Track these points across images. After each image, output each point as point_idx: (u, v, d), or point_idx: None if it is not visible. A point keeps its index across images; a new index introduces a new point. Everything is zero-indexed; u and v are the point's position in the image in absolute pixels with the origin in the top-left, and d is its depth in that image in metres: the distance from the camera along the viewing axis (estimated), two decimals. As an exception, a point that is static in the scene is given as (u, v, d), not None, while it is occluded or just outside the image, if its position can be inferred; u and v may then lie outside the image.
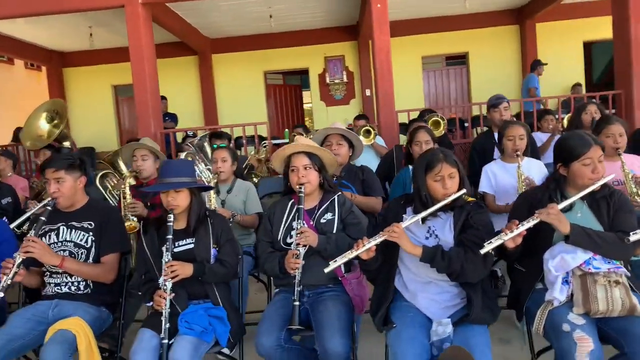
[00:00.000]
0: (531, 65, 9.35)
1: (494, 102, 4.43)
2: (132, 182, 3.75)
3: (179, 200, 2.39)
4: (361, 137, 5.42)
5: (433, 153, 2.18)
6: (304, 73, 11.30)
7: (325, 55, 10.66)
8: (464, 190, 2.13)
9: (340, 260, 2.08)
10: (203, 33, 9.97)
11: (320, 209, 2.51)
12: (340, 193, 2.58)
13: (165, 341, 2.17)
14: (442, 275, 2.10)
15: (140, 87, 6.79)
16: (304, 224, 2.38)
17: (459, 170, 2.15)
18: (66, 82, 10.87)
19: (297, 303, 2.24)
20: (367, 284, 2.52)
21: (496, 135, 4.36)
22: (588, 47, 11.08)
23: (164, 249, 2.33)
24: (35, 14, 6.92)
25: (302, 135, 5.99)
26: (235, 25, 9.46)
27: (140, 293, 2.49)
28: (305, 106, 12.57)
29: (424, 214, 2.11)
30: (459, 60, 10.91)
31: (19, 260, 2.32)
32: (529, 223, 2.01)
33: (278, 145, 7.94)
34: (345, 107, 10.71)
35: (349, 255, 2.08)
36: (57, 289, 2.51)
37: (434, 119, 5.58)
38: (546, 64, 9.19)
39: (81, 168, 2.61)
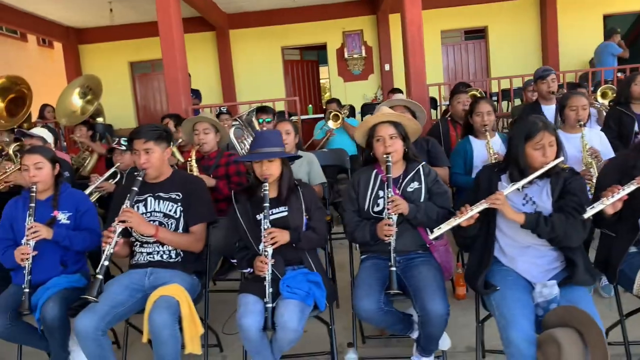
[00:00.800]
0: (607, 32, 9.26)
1: (542, 74, 4.44)
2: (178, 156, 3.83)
3: (273, 169, 2.43)
4: (330, 122, 5.54)
5: (533, 122, 2.21)
6: (321, 48, 11.22)
7: (343, 29, 10.56)
8: (561, 158, 2.17)
9: (445, 227, 2.14)
10: (221, 8, 9.86)
11: (406, 178, 2.55)
12: (424, 162, 2.62)
13: (270, 305, 2.24)
14: (541, 239, 2.16)
15: (170, 63, 6.77)
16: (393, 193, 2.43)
17: (556, 138, 2.19)
18: (82, 59, 10.77)
19: (393, 268, 2.30)
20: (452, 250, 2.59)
21: (543, 106, 4.42)
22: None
23: (261, 216, 2.39)
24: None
25: (338, 109, 6.02)
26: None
27: (233, 260, 2.55)
28: (322, 81, 12.52)
29: (524, 181, 2.16)
30: (478, 34, 10.83)
31: (119, 229, 2.37)
32: (630, 188, 2.06)
33: (304, 121, 7.97)
34: (364, 82, 10.66)
35: (453, 222, 2.14)
36: (150, 257, 2.57)
37: (472, 92, 5.60)
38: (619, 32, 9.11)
39: (167, 139, 2.64)
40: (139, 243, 2.60)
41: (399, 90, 6.02)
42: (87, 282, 2.70)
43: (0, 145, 5.49)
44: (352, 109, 7.60)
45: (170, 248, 2.57)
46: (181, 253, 2.59)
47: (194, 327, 2.32)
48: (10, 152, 4.19)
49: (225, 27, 10.35)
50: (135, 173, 2.56)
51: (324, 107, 8.87)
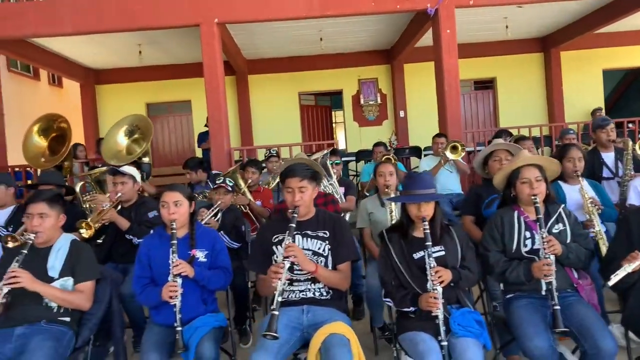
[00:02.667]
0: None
1: (601, 124, 4.69)
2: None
3: (429, 210, 2.51)
4: (448, 153, 5.69)
5: None
6: (334, 94, 11.52)
7: (359, 77, 10.93)
8: None
9: (622, 273, 2.24)
10: (243, 54, 10.10)
11: (550, 220, 2.65)
12: (563, 205, 2.74)
13: (445, 343, 2.26)
14: None
15: (214, 104, 6.86)
16: (545, 234, 2.52)
17: None
18: (99, 99, 10.78)
19: (557, 307, 2.37)
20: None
21: (603, 154, 4.66)
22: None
23: (419, 255, 2.44)
24: (109, 31, 6.94)
25: (386, 153, 6.16)
26: (277, 46, 9.61)
27: (388, 300, 2.56)
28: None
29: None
30: (487, 84, 11.34)
31: (287, 265, 2.39)
32: None
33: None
34: (378, 127, 10.95)
35: (628, 268, 2.24)
36: (303, 295, 2.57)
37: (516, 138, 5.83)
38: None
39: (318, 180, 2.70)
40: (287, 281, 2.60)
41: (443, 135, 6.21)
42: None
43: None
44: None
45: (321, 285, 2.58)
46: (330, 291, 2.60)
47: (363, 366, 2.32)
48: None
49: (245, 72, 10.57)
50: (290, 211, 2.59)
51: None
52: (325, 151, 4.74)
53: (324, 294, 2.59)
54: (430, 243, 2.43)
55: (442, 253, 2.52)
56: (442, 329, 2.29)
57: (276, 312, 2.26)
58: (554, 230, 2.63)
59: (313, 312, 2.51)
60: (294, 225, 2.51)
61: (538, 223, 2.54)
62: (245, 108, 10.70)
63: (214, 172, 6.13)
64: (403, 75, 10.69)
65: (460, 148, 5.78)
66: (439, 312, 2.31)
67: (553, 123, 9.92)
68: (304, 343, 2.49)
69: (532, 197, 2.60)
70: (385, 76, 10.95)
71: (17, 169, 7.05)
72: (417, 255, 2.51)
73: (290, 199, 2.59)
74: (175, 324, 2.47)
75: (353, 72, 10.86)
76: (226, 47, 8.96)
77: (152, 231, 3.75)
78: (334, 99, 11.88)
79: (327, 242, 2.63)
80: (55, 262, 2.65)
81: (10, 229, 3.87)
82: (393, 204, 3.40)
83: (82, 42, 8.35)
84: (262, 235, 2.73)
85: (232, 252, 3.31)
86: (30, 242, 2.57)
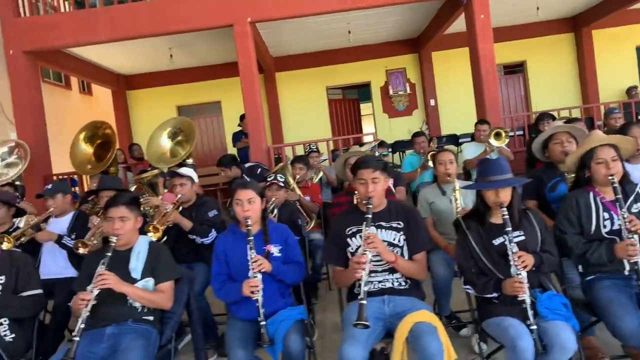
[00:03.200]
0: None
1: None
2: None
3: (507, 195, 2.50)
4: (492, 140, 5.63)
5: None
6: (363, 87, 11.50)
7: (386, 68, 10.88)
8: None
9: None
10: (270, 52, 10.14)
11: (629, 200, 2.62)
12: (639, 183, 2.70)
13: (535, 327, 2.26)
14: None
15: (250, 103, 6.91)
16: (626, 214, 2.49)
17: None
18: (130, 104, 10.95)
19: (646, 287, 2.34)
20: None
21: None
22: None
23: (498, 241, 2.44)
24: (143, 37, 7.03)
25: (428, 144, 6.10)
26: (305, 42, 9.63)
27: (469, 288, 2.56)
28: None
29: None
30: (517, 68, 11.18)
31: (369, 255, 2.41)
32: None
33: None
34: (408, 117, 10.90)
35: None
36: (382, 285, 2.58)
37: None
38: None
39: (388, 170, 2.71)
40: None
41: (486, 122, 6.13)
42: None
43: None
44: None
45: (399, 275, 2.60)
46: (408, 280, 2.61)
47: (450, 353, 2.32)
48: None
49: (272, 69, 10.61)
50: (365, 201, 2.60)
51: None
52: (374, 143, 4.73)
53: (402, 283, 2.60)
54: (510, 228, 2.41)
55: (522, 238, 2.50)
56: (530, 312, 2.28)
57: (364, 302, 2.27)
58: (633, 210, 2.60)
59: (394, 302, 2.52)
60: (370, 216, 2.52)
61: (617, 203, 2.51)
62: (274, 106, 10.75)
63: (251, 163, 6.18)
64: (431, 63, 10.61)
65: (504, 135, 5.71)
66: (526, 297, 2.30)
67: (587, 104, 9.75)
68: (386, 333, 2.50)
69: (610, 178, 2.57)
70: (413, 65, 10.88)
71: (61, 177, 7.19)
72: (496, 242, 2.50)
73: (364, 191, 2.60)
74: (259, 319, 2.50)
75: (380, 63, 10.82)
76: (255, 46, 9.02)
77: (214, 230, 3.87)
78: (361, 91, 11.85)
79: (401, 232, 2.64)
80: (136, 264, 2.71)
81: (72, 237, 3.96)
82: (456, 192, 3.39)
83: (113, 49, 8.47)
84: (335, 228, 2.75)
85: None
86: (113, 245, 2.63)
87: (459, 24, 8.55)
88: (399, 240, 2.63)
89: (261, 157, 6.82)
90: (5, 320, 2.70)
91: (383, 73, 10.89)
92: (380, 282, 2.59)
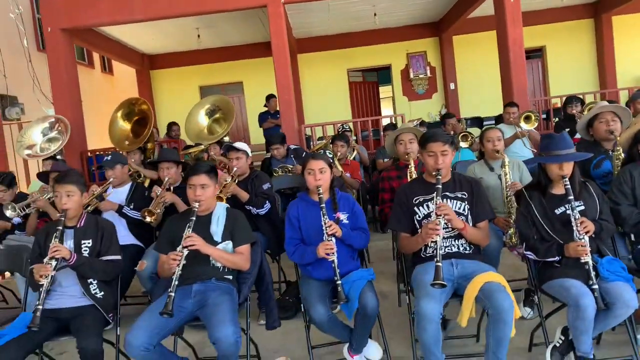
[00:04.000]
0: None
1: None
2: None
3: (570, 168, 2.68)
4: (522, 123, 5.79)
5: None
6: (382, 69, 11.62)
7: (407, 51, 11.00)
8: None
9: None
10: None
11: None
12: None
13: (596, 287, 2.46)
14: None
15: (283, 84, 7.06)
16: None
17: None
18: (153, 83, 11.10)
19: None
20: None
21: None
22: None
23: (561, 210, 2.64)
24: (178, 16, 7.16)
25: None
26: (329, 24, 9.73)
27: (529, 254, 2.76)
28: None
29: None
30: (536, 53, 11.27)
31: (442, 222, 2.60)
32: None
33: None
34: (428, 101, 11.05)
35: None
36: (448, 249, 2.78)
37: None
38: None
39: (455, 144, 2.89)
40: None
41: (515, 105, 6.28)
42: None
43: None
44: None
45: (463, 241, 2.79)
46: (472, 246, 2.81)
47: (516, 310, 2.51)
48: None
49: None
50: (434, 173, 2.79)
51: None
52: (416, 122, 4.90)
53: (467, 249, 2.80)
54: (572, 197, 2.61)
55: (582, 207, 2.69)
56: (592, 273, 2.48)
57: (440, 264, 2.47)
58: (684, 182, 2.79)
59: (462, 265, 2.72)
60: (440, 186, 2.71)
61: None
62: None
63: (292, 146, 6.36)
64: (452, 47, 10.72)
65: (533, 117, 5.87)
66: (588, 258, 2.50)
67: (605, 89, 9.88)
68: (453, 292, 2.71)
69: None
70: (434, 49, 10.99)
71: (98, 153, 7.38)
72: (558, 211, 2.69)
73: (433, 163, 2.79)
74: (336, 278, 2.70)
75: (401, 46, 10.94)
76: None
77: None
78: (380, 74, 11.96)
79: (466, 202, 2.83)
80: (217, 228, 2.91)
81: (131, 206, 4.16)
82: (506, 167, 3.57)
83: (141, 29, 8.62)
84: (401, 197, 2.93)
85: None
86: (196, 210, 2.83)
87: (482, 8, 8.66)
88: (463, 209, 2.82)
89: (292, 136, 6.99)
90: (94, 280, 2.91)
91: (404, 56, 11.01)
92: (447, 247, 2.79)
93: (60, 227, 2.83)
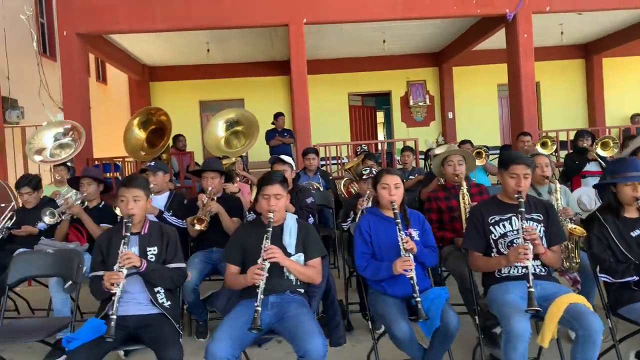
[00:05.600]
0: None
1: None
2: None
3: None
4: (538, 148, 5.96)
5: None
6: (381, 95, 11.80)
7: (407, 79, 11.22)
8: None
9: None
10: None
11: None
12: None
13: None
14: None
15: (300, 103, 7.14)
16: None
17: None
18: (152, 95, 10.95)
19: None
20: None
21: None
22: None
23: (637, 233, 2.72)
24: (199, 29, 7.13)
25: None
26: (338, 47, 9.86)
27: (604, 276, 2.81)
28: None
29: None
30: (530, 89, 11.66)
31: (530, 246, 2.62)
32: None
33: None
34: (426, 128, 11.24)
35: None
36: (524, 270, 2.79)
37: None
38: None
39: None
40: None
41: (528, 134, 6.47)
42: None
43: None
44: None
45: (539, 262, 2.82)
46: (546, 267, 2.84)
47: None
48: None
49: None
50: (516, 195, 2.82)
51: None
52: (452, 144, 4.98)
53: (543, 270, 2.83)
54: (643, 218, 2.69)
55: None
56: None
57: (532, 290, 2.50)
58: None
59: (540, 286, 2.74)
60: (523, 209, 2.75)
61: None
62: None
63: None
64: (452, 78, 11.00)
65: (550, 143, 6.07)
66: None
67: (594, 127, 10.28)
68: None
69: None
70: (433, 78, 11.24)
71: (104, 162, 7.19)
72: (634, 234, 2.76)
73: (515, 185, 2.82)
74: (415, 295, 2.67)
75: (402, 74, 11.17)
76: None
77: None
78: (378, 100, 12.14)
79: (542, 224, 2.87)
80: (290, 240, 2.85)
81: (170, 213, 4.07)
82: (557, 192, 3.65)
83: (149, 38, 8.51)
84: (476, 216, 2.95)
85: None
86: (271, 220, 2.77)
87: (484, 42, 8.96)
88: (539, 231, 2.85)
89: (307, 154, 6.96)
90: (160, 289, 2.79)
91: (404, 84, 11.24)
92: (523, 267, 2.81)
93: (129, 234, 2.72)
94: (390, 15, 7.08)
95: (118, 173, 7.29)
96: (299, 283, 2.82)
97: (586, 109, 11.41)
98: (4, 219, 4.19)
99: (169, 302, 2.80)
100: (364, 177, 4.20)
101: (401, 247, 2.78)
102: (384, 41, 9.15)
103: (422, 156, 9.19)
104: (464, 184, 3.74)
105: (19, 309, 4.64)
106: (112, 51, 8.78)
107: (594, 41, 10.97)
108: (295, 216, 3.03)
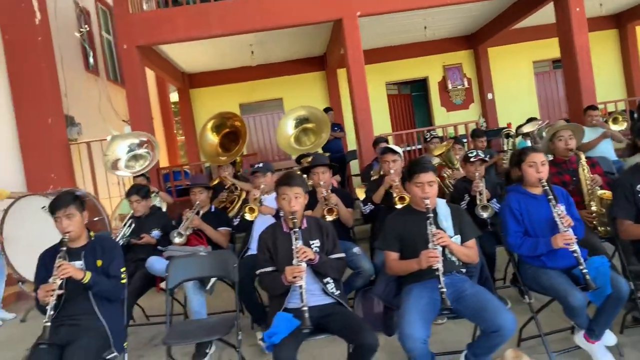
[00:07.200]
0: None
1: None
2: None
3: None
4: (611, 124, 6.00)
5: None
6: (417, 82, 11.84)
7: (443, 64, 11.25)
8: None
9: None
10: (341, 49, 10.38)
11: None
12: None
13: None
14: None
15: (360, 94, 7.17)
16: None
17: None
18: (193, 102, 11.06)
19: None
20: None
21: None
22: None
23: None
24: (253, 31, 7.22)
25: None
26: (377, 37, 9.90)
27: None
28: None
29: None
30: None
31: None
32: None
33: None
34: (466, 111, 11.28)
35: None
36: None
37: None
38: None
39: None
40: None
41: (596, 108, 6.50)
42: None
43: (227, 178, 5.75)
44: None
45: None
46: None
47: None
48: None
49: (335, 67, 10.85)
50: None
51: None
52: (543, 123, 5.04)
53: None
54: None
55: None
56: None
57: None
58: None
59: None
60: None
61: None
62: (336, 100, 10.99)
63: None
64: (488, 59, 11.03)
65: (621, 118, 6.12)
66: None
67: (632, 97, 10.28)
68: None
69: None
70: (469, 61, 11.28)
71: (175, 169, 7.31)
72: None
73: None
74: (581, 267, 2.74)
75: (437, 59, 11.21)
76: (330, 42, 9.29)
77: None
78: (413, 87, 12.17)
79: None
80: (447, 223, 2.94)
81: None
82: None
83: (192, 46, 8.58)
84: (624, 185, 3.04)
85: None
86: (429, 206, 2.85)
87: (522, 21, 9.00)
88: None
89: (370, 145, 7.03)
90: (329, 279, 2.90)
91: (440, 68, 11.27)
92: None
93: (297, 229, 2.83)
94: (437, 0, 7.14)
95: (188, 180, 7.41)
96: (460, 264, 2.92)
97: (624, 80, 11.38)
98: (124, 226, 4.32)
99: (338, 291, 2.90)
100: (472, 159, 4.27)
101: (559, 223, 2.86)
102: (425, 27, 9.18)
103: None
104: (582, 156, 3.82)
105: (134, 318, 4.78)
106: (159, 61, 8.88)
107: (626, 10, 10.93)
108: (444, 200, 3.12)
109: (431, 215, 2.81)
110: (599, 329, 2.86)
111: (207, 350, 3.67)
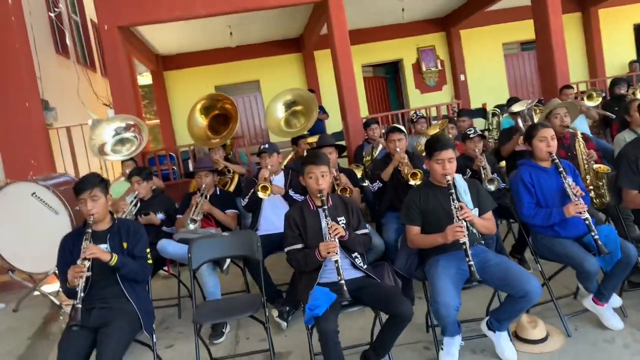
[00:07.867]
0: None
1: None
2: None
3: None
4: (586, 101, 6.32)
5: None
6: (389, 64, 11.98)
7: (417, 46, 11.43)
8: None
9: None
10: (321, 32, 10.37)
11: None
12: None
13: None
14: None
15: (346, 73, 7.25)
16: None
17: None
18: (167, 84, 10.84)
19: None
20: None
21: None
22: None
23: None
24: (239, 12, 7.11)
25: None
26: (353, 19, 9.90)
27: None
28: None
29: None
30: (531, 45, 12.05)
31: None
32: None
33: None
34: (439, 92, 11.53)
35: None
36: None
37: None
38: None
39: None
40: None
41: (571, 87, 6.79)
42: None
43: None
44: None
45: None
46: None
47: None
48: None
49: (311, 49, 10.84)
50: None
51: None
52: (532, 102, 5.24)
53: None
54: None
55: None
56: None
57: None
58: None
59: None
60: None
61: None
62: (314, 83, 11.00)
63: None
64: (460, 41, 11.27)
65: (595, 95, 6.43)
66: None
67: (594, 78, 10.78)
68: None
69: None
70: (442, 43, 11.49)
71: (160, 153, 7.19)
72: None
73: None
74: (593, 233, 2.93)
75: (411, 41, 11.36)
76: (309, 25, 9.28)
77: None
78: (387, 69, 12.31)
79: None
80: (466, 197, 3.08)
81: (291, 190, 4.22)
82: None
83: (168, 27, 8.38)
84: (629, 157, 3.26)
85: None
86: (450, 182, 2.98)
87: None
88: None
89: (358, 126, 7.12)
90: (357, 254, 3.00)
91: (414, 51, 11.45)
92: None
93: (326, 207, 2.90)
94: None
95: (174, 164, 7.31)
96: (479, 235, 3.07)
97: (587, 61, 11.88)
98: (130, 204, 4.28)
99: (365, 265, 3.01)
100: (471, 136, 4.44)
101: (570, 193, 3.04)
102: (402, 9, 9.29)
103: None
104: (579, 132, 4.04)
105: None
106: (134, 43, 8.64)
107: (589, -6, 11.39)
108: (460, 174, 3.25)
109: (453, 190, 2.92)
110: (608, 292, 3.08)
111: (224, 330, 3.72)
